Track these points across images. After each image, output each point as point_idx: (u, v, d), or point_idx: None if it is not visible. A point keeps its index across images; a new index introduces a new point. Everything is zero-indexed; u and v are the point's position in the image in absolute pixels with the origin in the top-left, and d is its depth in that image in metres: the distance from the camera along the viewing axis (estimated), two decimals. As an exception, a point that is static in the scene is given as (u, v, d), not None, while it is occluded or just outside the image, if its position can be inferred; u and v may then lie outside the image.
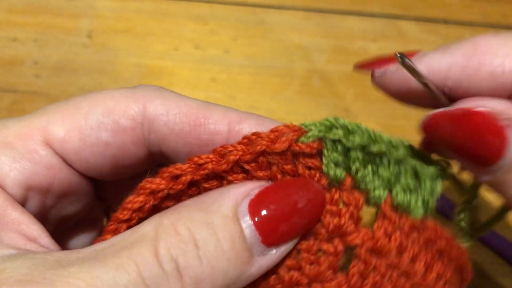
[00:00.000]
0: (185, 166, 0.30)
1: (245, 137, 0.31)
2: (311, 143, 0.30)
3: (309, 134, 0.30)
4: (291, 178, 0.31)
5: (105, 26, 0.69)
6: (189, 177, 0.30)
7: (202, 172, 0.30)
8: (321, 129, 0.30)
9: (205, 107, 0.33)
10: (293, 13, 0.72)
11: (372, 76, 0.32)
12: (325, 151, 0.31)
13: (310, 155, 0.31)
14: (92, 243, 0.29)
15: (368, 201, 0.32)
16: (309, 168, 0.31)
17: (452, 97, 0.30)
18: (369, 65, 0.31)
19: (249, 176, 0.31)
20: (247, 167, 0.31)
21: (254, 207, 0.28)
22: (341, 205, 0.31)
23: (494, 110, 0.28)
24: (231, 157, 0.30)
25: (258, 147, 0.30)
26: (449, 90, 0.28)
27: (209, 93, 0.66)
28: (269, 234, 0.28)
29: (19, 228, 0.29)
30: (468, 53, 0.28)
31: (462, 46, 0.29)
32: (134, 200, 0.30)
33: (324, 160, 0.31)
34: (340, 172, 0.31)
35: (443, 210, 0.60)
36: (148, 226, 0.27)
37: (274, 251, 0.29)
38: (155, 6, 0.70)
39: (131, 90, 0.33)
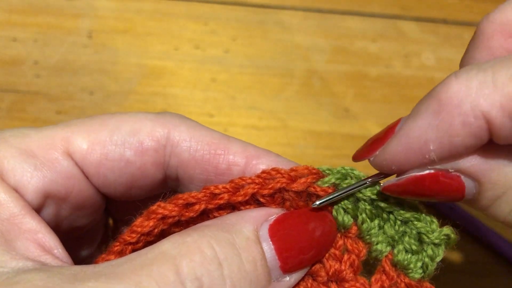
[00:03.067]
0: (200, 195, 0.31)
1: (264, 172, 0.32)
2: (326, 188, 0.32)
3: (326, 179, 0.32)
4: (307, 208, 0.32)
5: (105, 26, 0.69)
6: (202, 206, 0.31)
7: (217, 201, 0.31)
8: (338, 177, 0.32)
9: (226, 139, 0.34)
10: (293, 13, 0.72)
11: (374, 163, 0.33)
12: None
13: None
14: (95, 262, 0.29)
15: (370, 253, 0.33)
16: (320, 209, 0.32)
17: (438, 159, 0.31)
18: (363, 154, 0.33)
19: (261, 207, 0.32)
20: (262, 200, 0.32)
21: (273, 232, 0.29)
22: (343, 252, 0.32)
23: (438, 169, 0.29)
24: (249, 190, 0.31)
25: (278, 184, 0.31)
26: (432, 153, 0.29)
27: (209, 93, 0.66)
28: (288, 260, 0.29)
29: (36, 237, 0.29)
30: (435, 111, 0.28)
31: (428, 106, 0.28)
32: (144, 224, 0.30)
33: (334, 205, 0.33)
34: (348, 219, 0.32)
35: (442, 210, 0.60)
36: (167, 244, 0.27)
37: (287, 278, 0.30)
38: (155, 6, 0.70)
39: (157, 114, 0.34)
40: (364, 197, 0.32)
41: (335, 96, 0.67)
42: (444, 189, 0.30)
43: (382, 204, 0.32)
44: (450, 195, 0.30)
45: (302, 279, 0.32)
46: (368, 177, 0.32)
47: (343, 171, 0.33)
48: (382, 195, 0.32)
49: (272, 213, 0.31)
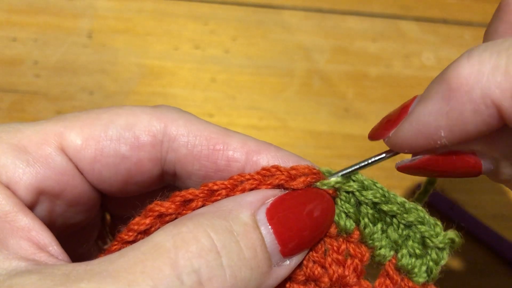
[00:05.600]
0: (198, 191, 0.30)
1: (264, 169, 0.31)
2: (327, 190, 0.32)
3: (325, 182, 0.32)
4: (304, 188, 0.31)
5: (105, 26, 0.69)
6: (200, 203, 0.30)
7: (215, 198, 0.30)
8: (338, 180, 0.32)
9: (225, 133, 0.33)
10: (293, 13, 0.72)
11: (388, 144, 0.33)
12: (338, 200, 0.32)
13: None
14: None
15: (373, 257, 0.33)
16: (318, 189, 0.32)
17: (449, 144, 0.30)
18: (378, 135, 0.32)
19: None
20: None
21: (271, 215, 0.28)
22: (346, 256, 0.32)
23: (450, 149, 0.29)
24: (248, 186, 0.30)
25: (277, 181, 0.31)
26: (444, 139, 0.28)
27: (209, 93, 0.66)
28: (287, 243, 0.28)
29: (29, 235, 0.28)
30: (445, 97, 0.27)
31: (438, 90, 0.28)
32: (141, 222, 0.30)
33: (336, 209, 0.32)
34: (350, 224, 0.32)
35: (442, 210, 0.60)
36: (162, 235, 0.26)
37: (288, 262, 0.29)
38: (155, 6, 0.70)
39: (153, 108, 0.33)
40: (366, 201, 0.32)
41: (335, 96, 0.67)
42: (460, 167, 0.29)
43: (385, 208, 0.32)
44: (466, 172, 0.29)
45: (305, 285, 0.32)
46: (384, 152, 0.32)
47: (345, 173, 0.32)
48: (385, 198, 0.32)
49: (269, 195, 0.30)
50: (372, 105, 0.67)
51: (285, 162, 0.32)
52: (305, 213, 0.29)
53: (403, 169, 0.31)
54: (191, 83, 0.67)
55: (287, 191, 0.31)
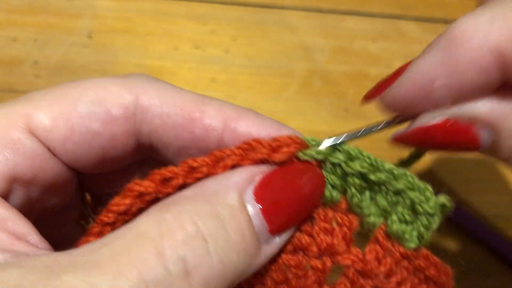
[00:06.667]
0: (177, 169, 0.29)
1: (245, 142, 0.30)
2: (310, 161, 0.30)
3: (308, 152, 0.30)
4: (293, 163, 0.30)
5: (105, 26, 0.69)
6: (180, 181, 0.29)
7: (195, 175, 0.29)
8: (320, 152, 0.30)
9: (201, 101, 0.31)
10: (293, 13, 0.72)
11: (382, 102, 0.32)
12: (324, 172, 0.31)
13: None
14: (75, 245, 0.27)
15: (362, 225, 0.32)
16: (308, 163, 0.31)
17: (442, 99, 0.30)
18: (372, 94, 0.31)
19: None
20: None
21: (259, 195, 0.27)
22: (334, 224, 0.31)
23: (450, 116, 0.28)
24: (229, 161, 0.29)
25: (259, 155, 0.29)
26: (440, 91, 0.28)
27: (209, 93, 0.66)
28: (275, 222, 0.27)
29: (5, 226, 0.27)
30: (444, 47, 0.27)
31: (437, 43, 0.27)
32: (120, 203, 0.28)
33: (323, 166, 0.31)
34: (336, 194, 0.31)
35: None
36: (147, 223, 0.25)
37: (277, 239, 0.28)
38: (155, 6, 0.70)
39: (123, 78, 0.32)
40: (353, 172, 0.31)
41: (335, 96, 0.67)
42: (457, 139, 0.28)
43: (373, 177, 0.30)
44: (463, 145, 0.28)
45: (293, 254, 0.31)
46: (384, 121, 0.31)
47: (328, 145, 0.31)
48: (372, 168, 0.31)
49: (256, 173, 0.28)
50: (372, 105, 0.66)
51: (265, 129, 0.31)
52: (294, 189, 0.28)
53: (399, 139, 0.30)
54: (191, 83, 0.67)
55: (275, 167, 0.29)
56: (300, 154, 0.30)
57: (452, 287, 0.33)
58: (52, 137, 0.30)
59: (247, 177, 0.28)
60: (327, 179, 0.31)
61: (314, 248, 0.31)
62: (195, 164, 0.29)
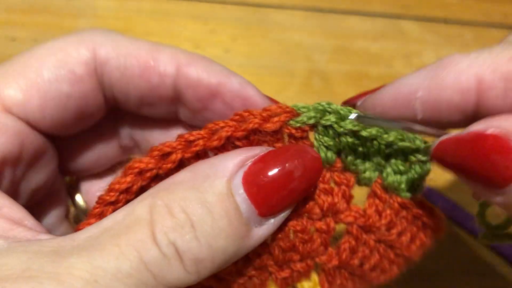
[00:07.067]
0: (175, 143, 0.30)
1: (236, 114, 0.31)
2: (302, 127, 0.31)
3: (299, 119, 0.31)
4: (287, 145, 0.31)
5: (105, 26, 0.69)
6: (179, 155, 0.29)
7: (193, 149, 0.30)
8: (310, 116, 0.31)
9: (155, 48, 0.32)
10: (293, 13, 0.71)
11: (358, 105, 0.33)
12: (316, 135, 0.32)
13: (301, 138, 0.31)
14: (76, 228, 0.28)
15: (359, 182, 0.33)
16: (302, 146, 0.31)
17: (424, 119, 0.30)
18: (353, 99, 0.33)
19: None
20: (238, 143, 0.30)
21: (248, 180, 0.27)
22: (332, 185, 0.32)
23: (507, 131, 0.26)
24: (223, 133, 0.30)
25: (251, 125, 0.30)
26: (418, 100, 0.29)
27: (209, 93, 0.66)
28: (265, 206, 0.28)
29: (1, 213, 0.27)
30: (433, 68, 0.29)
31: (428, 66, 0.29)
32: (122, 181, 0.29)
33: (315, 143, 0.32)
34: (331, 155, 0.32)
35: (443, 209, 0.60)
36: (142, 208, 0.26)
37: (272, 220, 0.29)
38: (155, 5, 0.70)
39: (78, 35, 0.32)
40: (345, 131, 0.31)
41: (336, 96, 0.67)
42: (499, 159, 0.25)
43: (364, 133, 0.31)
44: (501, 171, 0.26)
45: (298, 219, 0.32)
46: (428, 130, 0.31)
47: (320, 107, 0.31)
48: (363, 125, 0.31)
49: (249, 157, 0.28)
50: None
51: (216, 75, 0.32)
52: (284, 174, 0.28)
53: (444, 145, 0.29)
54: (191, 83, 0.67)
55: (268, 150, 0.29)
56: (292, 122, 0.31)
57: (444, 231, 0.34)
58: (29, 109, 0.31)
59: (238, 162, 0.28)
60: (321, 141, 0.32)
61: (317, 210, 0.32)
62: (191, 138, 0.30)
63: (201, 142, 0.30)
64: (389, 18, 0.72)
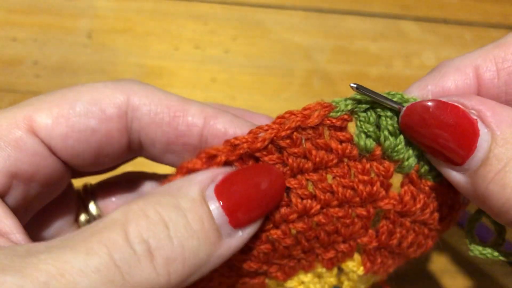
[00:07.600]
0: (221, 147, 0.32)
1: (279, 117, 0.33)
2: (342, 116, 0.32)
3: (337, 109, 0.32)
4: (254, 164, 0.33)
5: (105, 26, 0.69)
6: (223, 158, 0.31)
7: (238, 152, 0.31)
8: (348, 103, 0.32)
9: (184, 101, 0.35)
10: (293, 13, 0.72)
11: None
12: (358, 122, 0.33)
13: (341, 129, 0.33)
14: None
15: (398, 169, 0.34)
16: (341, 142, 0.33)
17: None
18: None
19: (283, 155, 0.32)
20: (282, 144, 0.32)
21: (220, 191, 0.30)
22: (372, 174, 0.33)
23: (465, 105, 0.30)
24: (267, 136, 0.32)
25: (294, 123, 0.32)
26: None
27: (209, 93, 0.66)
28: (236, 215, 0.30)
29: None
30: (435, 68, 0.32)
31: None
32: (172, 179, 0.31)
33: (356, 130, 0.33)
34: (370, 142, 0.33)
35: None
36: (116, 213, 0.28)
37: (240, 233, 0.30)
38: (155, 6, 0.70)
39: (114, 82, 0.35)
40: (387, 114, 0.32)
41: (336, 96, 0.67)
42: (460, 126, 0.29)
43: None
44: (463, 137, 0.29)
45: (340, 208, 0.34)
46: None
47: (357, 97, 0.32)
48: (404, 103, 0.32)
49: (219, 173, 0.31)
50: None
51: (240, 127, 0.34)
52: (253, 186, 0.30)
53: (411, 109, 0.31)
54: (191, 83, 0.67)
55: (237, 168, 0.32)
56: (333, 114, 0.32)
57: (460, 206, 0.36)
58: (54, 135, 0.33)
59: (210, 176, 0.31)
60: (361, 128, 0.33)
61: (357, 199, 0.33)
62: (236, 142, 0.32)
63: (245, 145, 0.31)
64: (389, 18, 0.72)
